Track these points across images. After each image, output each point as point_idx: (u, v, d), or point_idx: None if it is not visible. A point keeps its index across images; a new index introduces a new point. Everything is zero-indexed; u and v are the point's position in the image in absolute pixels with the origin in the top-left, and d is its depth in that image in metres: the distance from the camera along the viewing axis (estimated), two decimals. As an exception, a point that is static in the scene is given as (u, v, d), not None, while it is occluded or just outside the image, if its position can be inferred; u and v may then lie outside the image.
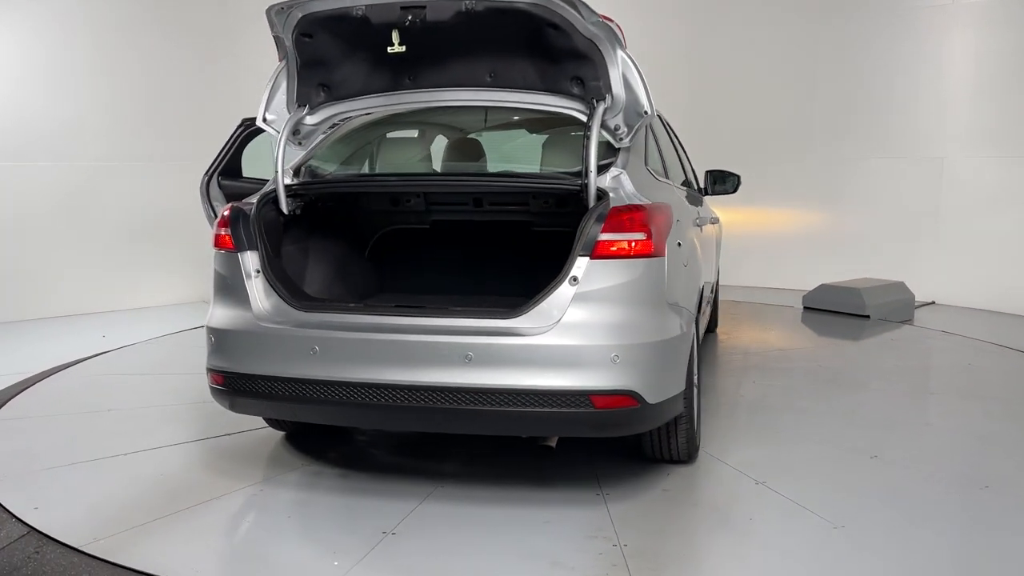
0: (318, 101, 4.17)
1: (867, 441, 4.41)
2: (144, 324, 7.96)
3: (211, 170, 5.76)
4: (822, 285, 8.10)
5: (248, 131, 5.74)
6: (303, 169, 4.28)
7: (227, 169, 5.76)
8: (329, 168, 4.48)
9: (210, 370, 3.81)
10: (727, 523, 3.48)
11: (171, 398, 5.41)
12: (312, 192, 4.15)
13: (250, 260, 3.76)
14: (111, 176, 8.56)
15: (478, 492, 3.79)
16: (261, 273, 3.73)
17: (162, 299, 8.94)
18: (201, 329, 4.01)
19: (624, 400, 3.37)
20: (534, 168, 4.48)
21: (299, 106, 4.15)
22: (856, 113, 9.13)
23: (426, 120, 4.87)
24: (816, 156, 9.45)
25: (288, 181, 4.07)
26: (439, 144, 5.09)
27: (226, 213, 3.90)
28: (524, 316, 3.40)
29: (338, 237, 4.63)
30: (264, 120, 4.19)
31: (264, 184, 5.54)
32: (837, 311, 7.82)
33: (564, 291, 3.39)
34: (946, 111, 8.56)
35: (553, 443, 3.71)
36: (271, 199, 3.99)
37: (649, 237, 3.45)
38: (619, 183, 3.70)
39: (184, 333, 7.47)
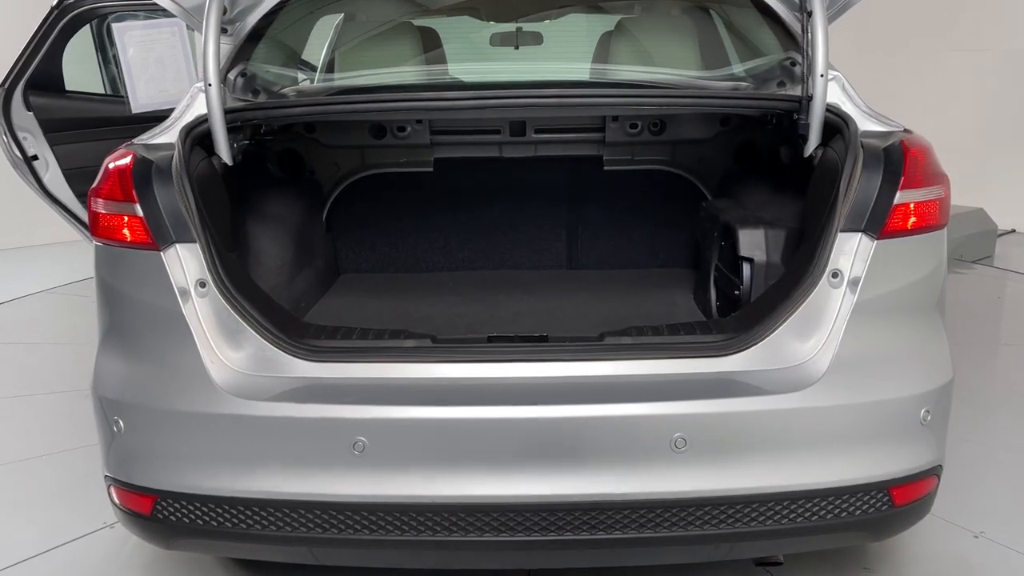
0: None
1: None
2: (36, 268, 6.14)
3: (10, 80, 3.57)
4: None
5: (70, 17, 3.59)
6: (237, 79, 2.38)
7: (39, 79, 3.59)
8: (271, 74, 2.59)
9: (118, 484, 1.96)
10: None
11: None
12: (274, 121, 2.29)
13: (184, 263, 1.91)
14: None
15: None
16: (213, 287, 1.89)
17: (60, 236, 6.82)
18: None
19: (928, 483, 1.96)
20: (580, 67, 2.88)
21: None
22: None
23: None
24: (875, 49, 7.11)
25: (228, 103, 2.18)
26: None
27: (117, 164, 1.98)
28: (754, 350, 1.86)
29: (291, 193, 2.78)
30: None
31: (119, 103, 3.56)
32: None
33: (825, 299, 1.87)
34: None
35: (781, 557, 2.23)
36: (198, 137, 2.09)
37: (947, 194, 1.98)
38: (842, 97, 2.17)
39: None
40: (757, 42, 2.58)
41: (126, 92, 3.61)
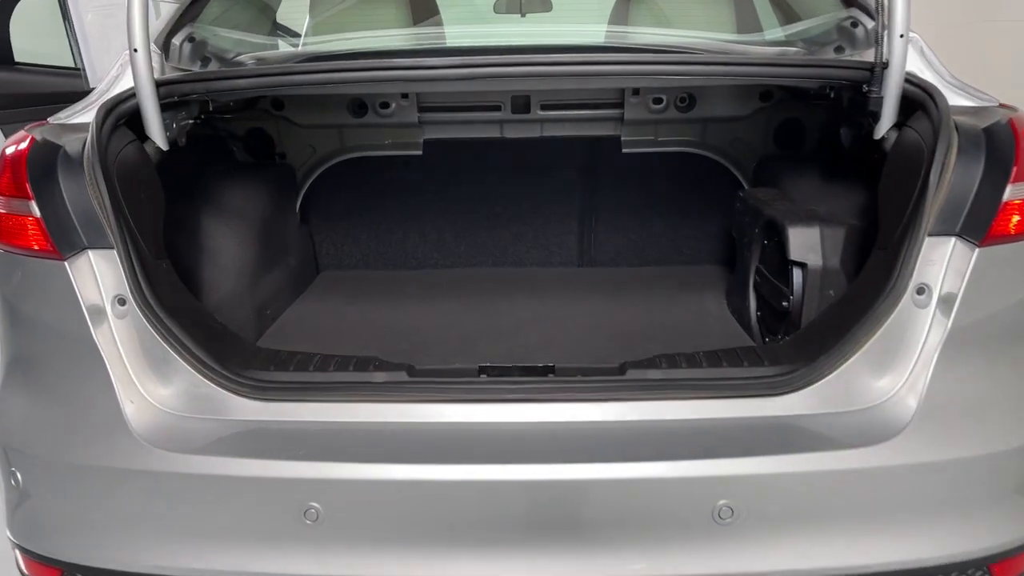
0: None
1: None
2: None
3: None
4: None
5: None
6: (183, 46, 1.97)
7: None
8: (225, 40, 2.19)
9: (22, 550, 1.58)
10: None
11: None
12: (218, 96, 1.89)
13: (98, 274, 1.52)
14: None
15: None
16: (134, 305, 1.51)
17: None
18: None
19: None
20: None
21: None
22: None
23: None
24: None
25: (162, 73, 1.80)
26: None
27: (14, 151, 1.59)
28: (818, 387, 1.46)
29: (257, 181, 2.38)
30: None
31: (76, 76, 3.16)
32: None
33: (909, 322, 1.47)
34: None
35: None
36: (124, 116, 1.69)
37: None
38: (920, 64, 1.75)
39: None
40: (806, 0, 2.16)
41: (82, 64, 3.22)
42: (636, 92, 2.42)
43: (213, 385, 1.49)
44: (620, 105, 2.46)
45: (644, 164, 2.64)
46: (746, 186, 2.60)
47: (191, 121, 1.91)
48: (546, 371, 1.58)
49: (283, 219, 2.49)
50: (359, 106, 2.49)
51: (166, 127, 1.74)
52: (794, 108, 2.45)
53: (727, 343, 1.93)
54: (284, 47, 2.67)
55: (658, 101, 2.44)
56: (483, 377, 1.56)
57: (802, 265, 1.87)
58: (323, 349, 1.68)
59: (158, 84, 1.67)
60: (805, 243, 1.87)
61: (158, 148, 1.74)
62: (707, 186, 2.66)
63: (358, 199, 2.70)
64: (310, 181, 2.62)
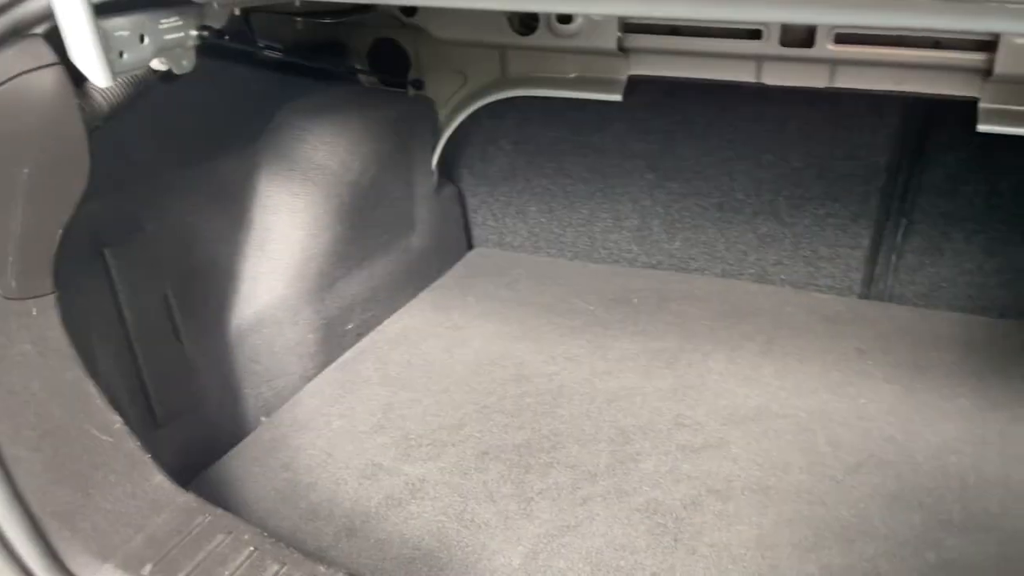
0: None
1: None
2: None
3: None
4: None
5: None
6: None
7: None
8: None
9: None
10: None
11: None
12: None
13: None
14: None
15: None
16: None
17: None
18: None
19: None
20: None
21: None
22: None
23: None
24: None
25: None
26: None
27: None
28: None
29: (352, 122, 1.58)
30: None
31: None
32: None
33: None
34: None
35: None
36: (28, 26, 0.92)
37: None
38: None
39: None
40: None
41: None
42: None
43: None
44: (990, 46, 1.34)
45: (1008, 150, 1.50)
46: None
47: (197, 33, 1.13)
48: None
49: (406, 178, 1.69)
50: (528, 17, 1.59)
51: (110, 48, 0.97)
52: None
53: None
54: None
55: None
56: None
57: None
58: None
59: None
60: None
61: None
62: None
63: (527, 156, 1.83)
64: (456, 123, 1.78)
